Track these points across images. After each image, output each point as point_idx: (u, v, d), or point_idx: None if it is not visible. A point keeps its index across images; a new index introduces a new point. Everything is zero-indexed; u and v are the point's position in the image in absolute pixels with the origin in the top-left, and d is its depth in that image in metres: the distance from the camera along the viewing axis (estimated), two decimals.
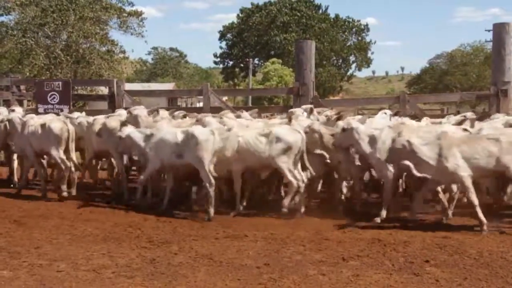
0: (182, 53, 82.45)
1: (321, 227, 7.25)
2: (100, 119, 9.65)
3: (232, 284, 5.09)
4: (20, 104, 13.91)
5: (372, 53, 62.99)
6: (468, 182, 7.00)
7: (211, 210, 7.75)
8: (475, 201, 6.96)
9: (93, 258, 5.83)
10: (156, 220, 7.68)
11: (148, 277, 5.25)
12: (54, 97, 13.21)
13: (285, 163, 7.83)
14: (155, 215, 7.89)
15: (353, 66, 63.13)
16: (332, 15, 60.24)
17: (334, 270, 5.45)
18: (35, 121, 9.42)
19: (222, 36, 62.67)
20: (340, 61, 60.94)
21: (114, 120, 9.42)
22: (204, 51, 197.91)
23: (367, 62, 62.73)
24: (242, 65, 60.15)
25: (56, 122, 9.23)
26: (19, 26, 24.95)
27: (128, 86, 15.86)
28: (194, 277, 5.25)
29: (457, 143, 7.11)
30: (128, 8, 27.26)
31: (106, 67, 25.68)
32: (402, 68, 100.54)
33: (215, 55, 63.41)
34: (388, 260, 5.78)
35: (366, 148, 7.65)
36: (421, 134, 7.52)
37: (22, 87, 14.77)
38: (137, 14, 27.50)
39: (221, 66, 64.86)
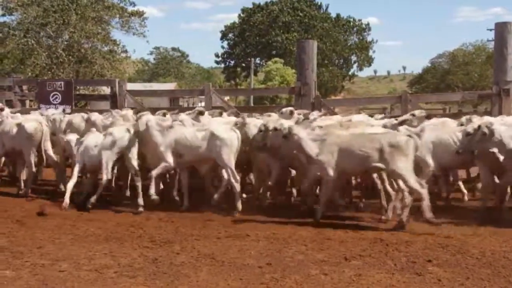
0: (184, 53, 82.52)
1: (323, 226, 7.25)
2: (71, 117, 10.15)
3: (234, 284, 5.09)
4: (23, 104, 13.94)
5: (374, 51, 62.99)
6: (330, 182, 7.35)
7: (93, 198, 8.37)
8: (323, 198, 7.50)
9: (95, 258, 5.84)
10: (158, 219, 7.71)
11: (150, 276, 5.26)
12: (56, 97, 13.24)
13: (227, 161, 8.14)
14: (157, 215, 7.91)
15: (355, 66, 63.11)
16: (333, 15, 60.23)
17: (336, 269, 5.44)
18: (9, 121, 9.62)
19: (224, 36, 62.65)
20: (342, 61, 60.85)
21: (78, 117, 9.91)
22: (205, 51, 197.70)
23: (368, 61, 62.64)
24: (243, 64, 60.11)
25: (30, 122, 9.43)
26: (21, 26, 24.96)
27: (130, 86, 15.87)
28: (196, 276, 5.26)
29: (339, 141, 7.34)
30: (129, 8, 27.29)
31: (108, 67, 25.69)
32: (404, 68, 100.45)
33: (216, 55, 63.45)
34: (390, 259, 5.78)
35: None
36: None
37: (24, 87, 14.80)
38: (139, 14, 27.51)
39: (222, 65, 64.83)
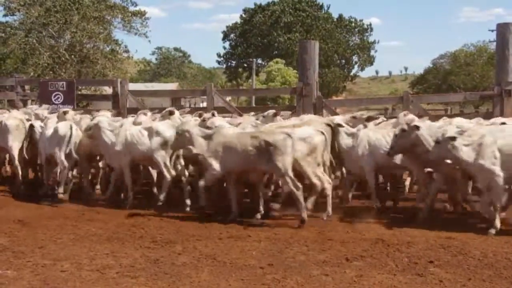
0: (185, 53, 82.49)
1: (325, 227, 7.25)
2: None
3: (235, 284, 5.09)
4: (25, 104, 13.94)
5: (376, 51, 62.90)
6: (211, 179, 7.68)
7: (61, 189, 8.89)
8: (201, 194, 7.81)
9: (97, 258, 5.84)
10: (159, 220, 7.70)
11: (152, 277, 5.26)
12: (58, 97, 13.22)
13: (162, 157, 8.40)
14: (158, 215, 7.92)
15: (356, 66, 63.03)
16: (335, 16, 60.17)
17: (338, 270, 5.44)
18: None
19: (226, 36, 62.62)
20: (343, 61, 60.78)
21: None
22: (207, 51, 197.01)
23: (370, 61, 62.59)
24: (245, 65, 60.07)
25: (11, 119, 9.64)
26: (23, 26, 25.02)
27: (132, 86, 15.86)
28: (198, 277, 5.26)
29: (224, 139, 7.61)
30: (131, 8, 27.32)
31: (110, 67, 25.72)
32: (406, 68, 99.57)
33: (218, 55, 63.41)
34: (391, 260, 5.78)
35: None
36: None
37: (26, 87, 14.80)
38: (141, 14, 27.55)
39: (224, 66, 64.79)
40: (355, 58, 61.97)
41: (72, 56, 25.05)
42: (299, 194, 7.30)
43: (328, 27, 57.05)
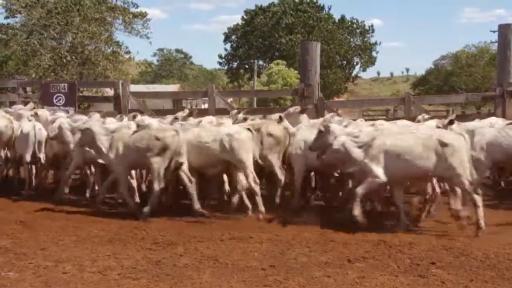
0: (187, 55, 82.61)
1: (327, 228, 7.24)
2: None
3: (237, 286, 5.09)
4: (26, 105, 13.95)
5: (377, 52, 62.84)
6: (119, 177, 7.97)
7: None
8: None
9: (99, 260, 5.84)
10: (161, 221, 7.69)
11: (154, 278, 5.26)
12: (59, 99, 13.23)
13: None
14: (160, 217, 7.92)
15: (358, 67, 63.00)
16: (337, 17, 60.14)
17: (340, 272, 5.44)
18: None
19: (227, 37, 62.60)
20: (345, 62, 60.74)
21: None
22: (208, 52, 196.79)
23: (372, 62, 62.53)
24: (247, 66, 60.03)
25: (0, 120, 9.74)
26: (25, 28, 25.09)
27: (133, 88, 15.87)
28: (199, 278, 5.26)
29: (123, 137, 7.89)
30: (132, 10, 27.38)
31: (111, 68, 25.77)
32: (407, 69, 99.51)
33: (219, 56, 63.37)
34: (393, 262, 5.77)
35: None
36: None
37: (28, 88, 14.82)
38: (142, 15, 27.59)
39: (225, 67, 64.75)
40: (356, 59, 61.85)
41: (74, 58, 25.09)
42: (192, 188, 7.74)
43: (329, 28, 56.99)
